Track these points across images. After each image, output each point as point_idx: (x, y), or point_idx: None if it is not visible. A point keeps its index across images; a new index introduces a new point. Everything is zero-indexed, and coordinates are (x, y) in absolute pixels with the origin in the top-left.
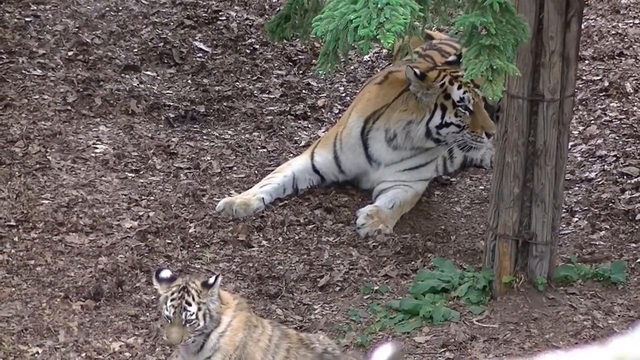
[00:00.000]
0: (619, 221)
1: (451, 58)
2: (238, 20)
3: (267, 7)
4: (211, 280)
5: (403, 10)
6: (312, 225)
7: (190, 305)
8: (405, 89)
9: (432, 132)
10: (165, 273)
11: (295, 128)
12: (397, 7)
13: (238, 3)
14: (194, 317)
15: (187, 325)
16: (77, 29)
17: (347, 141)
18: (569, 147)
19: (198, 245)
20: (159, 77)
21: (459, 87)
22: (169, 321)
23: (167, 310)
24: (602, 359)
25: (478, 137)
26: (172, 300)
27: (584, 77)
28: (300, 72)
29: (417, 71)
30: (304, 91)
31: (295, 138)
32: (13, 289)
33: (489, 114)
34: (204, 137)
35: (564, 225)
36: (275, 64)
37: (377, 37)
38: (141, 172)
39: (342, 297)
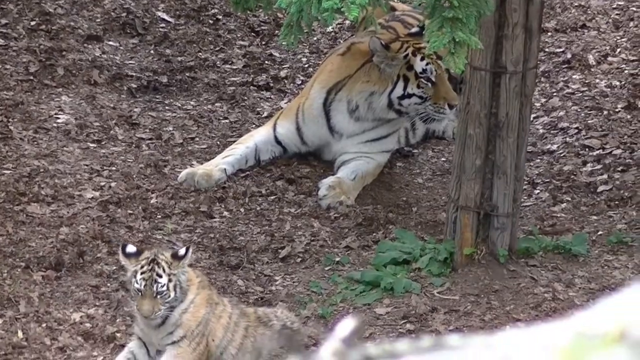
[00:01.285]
0: (580, 193)
1: (414, 30)
2: None
3: None
4: (182, 251)
5: None
6: (274, 197)
7: (160, 277)
8: (367, 60)
9: (394, 103)
10: (131, 248)
11: (258, 99)
12: None
13: None
14: (164, 288)
15: (159, 297)
16: None
17: (310, 112)
18: (531, 119)
19: (159, 216)
20: (121, 48)
21: (422, 59)
22: (140, 294)
23: (137, 283)
24: (563, 334)
25: (440, 109)
26: (142, 273)
27: (547, 49)
28: (263, 43)
29: (383, 42)
30: (266, 62)
31: (258, 109)
32: None
33: (452, 86)
34: (166, 107)
35: (525, 198)
36: (238, 35)
37: (342, 9)
38: (103, 143)
39: (303, 268)
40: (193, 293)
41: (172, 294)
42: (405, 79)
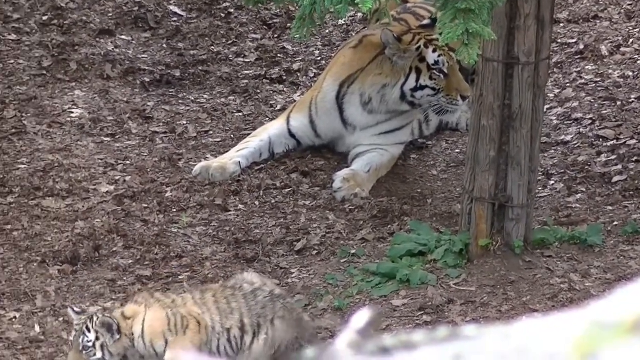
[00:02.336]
0: (595, 184)
1: (426, 22)
2: None
3: None
4: (114, 327)
5: None
6: (289, 189)
7: (89, 331)
8: (380, 52)
9: (407, 95)
10: (77, 308)
11: (271, 92)
12: None
13: None
14: (90, 344)
15: (84, 352)
16: None
17: (323, 105)
18: (545, 110)
19: (175, 210)
20: (134, 42)
21: (434, 51)
22: (70, 345)
23: (71, 335)
24: (579, 324)
25: (453, 100)
26: (76, 325)
27: (559, 40)
28: (276, 36)
29: (395, 34)
30: (279, 55)
31: (271, 102)
32: None
33: (464, 77)
34: (180, 101)
35: (540, 188)
36: (251, 28)
37: (355, 1)
38: (117, 137)
39: (319, 260)
40: (139, 324)
41: (99, 355)
42: (418, 71)
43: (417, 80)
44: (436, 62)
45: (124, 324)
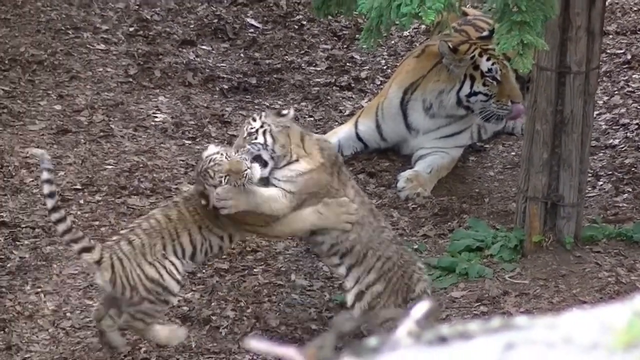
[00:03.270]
0: None
1: (485, 33)
2: None
3: None
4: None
5: None
6: None
7: (254, 120)
8: (438, 61)
9: (462, 100)
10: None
11: (340, 98)
12: None
13: None
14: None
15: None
16: (137, 6)
17: (388, 111)
18: (594, 115)
19: None
20: (213, 51)
21: (488, 59)
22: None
23: None
24: (623, 314)
25: (503, 106)
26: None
27: (608, 51)
28: (345, 46)
29: (450, 45)
30: (348, 64)
31: (340, 108)
32: None
33: (520, 85)
34: (256, 107)
35: (589, 189)
36: (322, 39)
37: (419, 14)
38: (197, 140)
39: None
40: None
41: (261, 139)
42: (472, 78)
43: (471, 86)
44: (489, 70)
45: None
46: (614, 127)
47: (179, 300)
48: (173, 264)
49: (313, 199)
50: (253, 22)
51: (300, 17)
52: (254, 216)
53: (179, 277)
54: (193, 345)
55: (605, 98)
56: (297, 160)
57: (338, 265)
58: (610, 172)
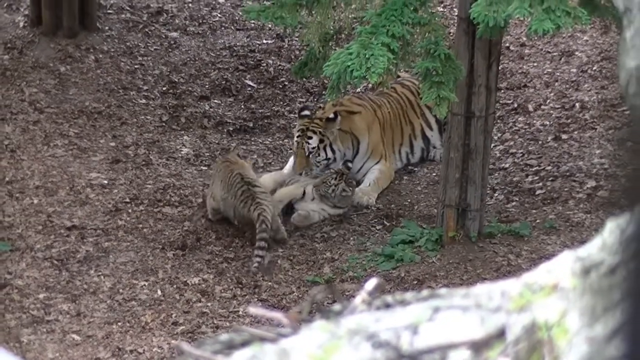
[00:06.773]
0: (524, 196)
1: (331, 115)
2: (274, 66)
3: (292, 57)
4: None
5: (382, 59)
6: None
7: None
8: None
9: None
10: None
11: None
12: (378, 57)
13: (274, 54)
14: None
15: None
16: (168, 73)
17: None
18: (491, 147)
19: None
20: (222, 104)
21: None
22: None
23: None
24: (516, 287)
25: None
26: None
27: (501, 101)
28: (315, 99)
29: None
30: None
31: None
32: (128, 244)
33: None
34: (252, 142)
35: (488, 199)
36: (298, 94)
37: (366, 76)
38: (211, 166)
39: (345, 246)
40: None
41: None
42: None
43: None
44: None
45: None
46: (505, 155)
47: (198, 280)
48: None
49: None
50: (250, 82)
51: (284, 79)
52: None
53: None
54: (209, 312)
55: (499, 134)
56: None
57: None
58: (503, 187)
